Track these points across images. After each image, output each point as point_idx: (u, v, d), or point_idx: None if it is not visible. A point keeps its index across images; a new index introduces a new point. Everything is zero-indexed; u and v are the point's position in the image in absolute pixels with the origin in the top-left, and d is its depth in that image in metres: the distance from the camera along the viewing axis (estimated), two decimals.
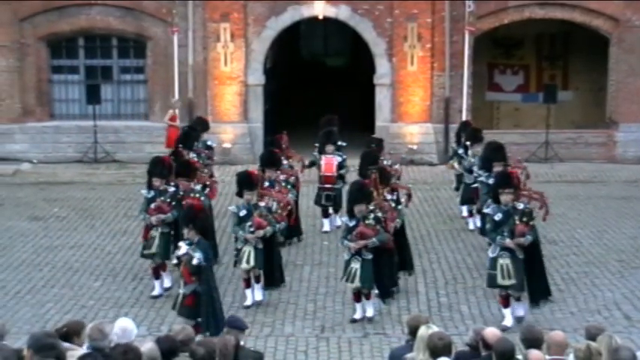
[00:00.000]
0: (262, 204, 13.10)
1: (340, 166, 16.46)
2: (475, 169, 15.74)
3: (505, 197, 12.19)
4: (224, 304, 12.26)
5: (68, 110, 23.86)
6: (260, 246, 12.96)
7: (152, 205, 13.49)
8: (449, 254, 15.42)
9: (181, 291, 11.33)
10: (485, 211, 12.92)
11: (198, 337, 8.62)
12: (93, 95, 23.15)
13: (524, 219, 12.04)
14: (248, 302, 12.98)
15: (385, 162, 15.37)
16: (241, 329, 8.62)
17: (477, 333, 7.96)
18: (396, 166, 15.78)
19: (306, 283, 14.01)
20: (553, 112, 23.69)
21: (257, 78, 23.25)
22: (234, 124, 23.10)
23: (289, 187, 14.98)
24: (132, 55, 23.79)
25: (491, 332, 7.73)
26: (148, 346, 7.25)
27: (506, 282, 12.03)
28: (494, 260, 12.13)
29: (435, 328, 7.75)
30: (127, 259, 15.23)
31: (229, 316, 9.25)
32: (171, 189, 13.61)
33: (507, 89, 25.72)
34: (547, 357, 7.30)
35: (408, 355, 7.76)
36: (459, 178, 17.26)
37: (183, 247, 11.22)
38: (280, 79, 26.36)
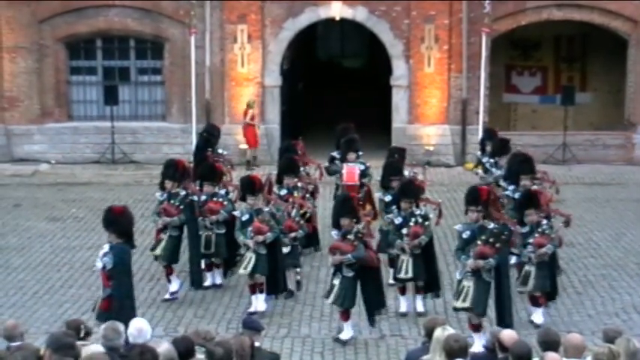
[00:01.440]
0: (266, 209, 12.88)
1: (363, 174, 15.84)
2: (501, 182, 14.99)
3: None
4: (242, 306, 12.30)
5: (86, 111, 23.98)
6: (262, 252, 12.67)
7: (159, 208, 13.58)
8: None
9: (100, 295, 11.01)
10: (455, 227, 12.27)
11: None
12: (110, 96, 23.25)
13: (490, 240, 11.18)
14: (252, 309, 12.73)
15: (407, 173, 14.74)
16: (257, 330, 8.63)
17: (494, 335, 7.94)
18: (420, 177, 14.97)
19: (322, 285, 13.99)
20: (571, 114, 23.60)
21: (274, 79, 23.29)
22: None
23: (307, 195, 14.58)
24: (149, 56, 23.88)
25: (507, 335, 7.72)
26: (164, 347, 7.27)
27: (459, 304, 11.43)
28: (459, 281, 11.61)
29: (451, 331, 7.74)
30: (143, 259, 15.26)
31: (246, 317, 9.26)
32: (182, 192, 13.58)
33: (525, 91, 25.65)
34: (564, 359, 7.28)
35: (425, 357, 7.76)
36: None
37: (103, 250, 10.91)
38: (297, 80, 26.35)
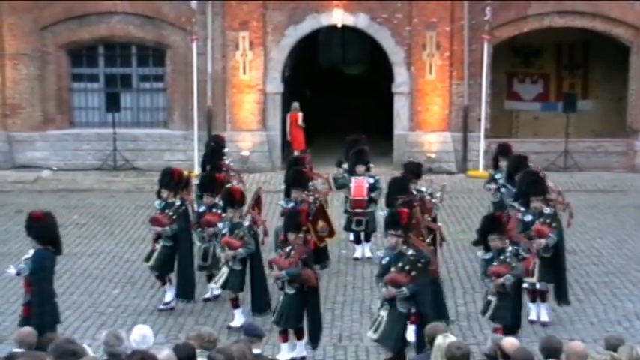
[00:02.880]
0: (246, 223, 12.48)
1: (372, 188, 15.24)
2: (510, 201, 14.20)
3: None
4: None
5: (88, 118, 24.00)
6: (237, 267, 12.24)
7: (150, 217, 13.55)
8: (467, 263, 15.34)
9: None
10: (377, 253, 11.80)
11: None
12: (112, 103, 23.28)
13: (406, 267, 10.37)
14: (232, 323, 12.43)
15: (425, 190, 13.87)
16: (259, 337, 8.62)
17: (495, 342, 7.92)
18: (437, 196, 14.01)
19: (324, 292, 13.92)
20: (573, 121, 23.59)
21: (275, 86, 23.30)
22: (253, 132, 23.15)
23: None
24: (151, 63, 23.91)
25: (509, 342, 7.69)
26: (165, 354, 7.26)
27: (370, 334, 10.73)
28: (378, 310, 10.89)
29: (452, 338, 7.73)
30: (145, 266, 15.21)
31: (247, 324, 9.24)
32: (178, 202, 13.41)
33: (526, 98, 25.64)
34: None
35: None
36: (497, 205, 15.24)
37: (26, 256, 10.77)
38: (299, 87, 26.36)
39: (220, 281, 12.51)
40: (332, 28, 24.13)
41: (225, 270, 12.39)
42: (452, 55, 22.85)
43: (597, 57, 24.87)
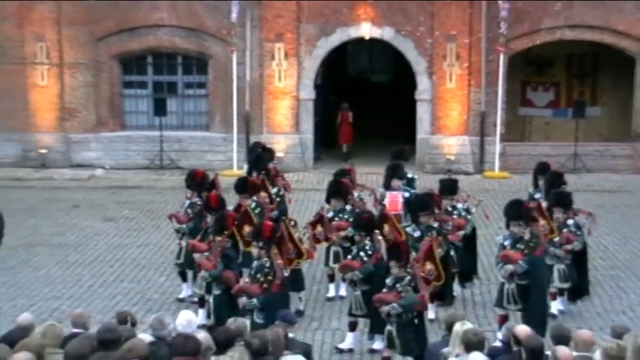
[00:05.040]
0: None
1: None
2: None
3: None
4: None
5: (137, 121, 24.15)
6: (217, 292, 11.01)
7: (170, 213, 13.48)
8: (483, 257, 15.22)
9: None
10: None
11: None
12: (160, 108, 23.39)
13: (260, 278, 10.09)
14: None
15: (460, 206, 13.02)
16: (291, 323, 8.63)
17: (509, 330, 7.89)
18: (473, 211, 12.95)
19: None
20: (582, 126, 23.40)
21: (308, 93, 23.32)
22: (287, 135, 23.17)
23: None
24: (195, 71, 24.00)
25: (522, 329, 7.66)
26: (202, 335, 7.32)
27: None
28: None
29: (469, 325, 7.70)
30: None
31: (281, 311, 9.27)
32: (199, 202, 13.15)
33: (539, 105, 25.47)
34: (574, 353, 7.21)
35: (444, 349, 7.73)
36: None
37: None
38: (329, 94, 26.36)
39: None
40: (360, 40, 24.07)
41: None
42: (470, 65, 22.74)
43: (605, 67, 24.66)
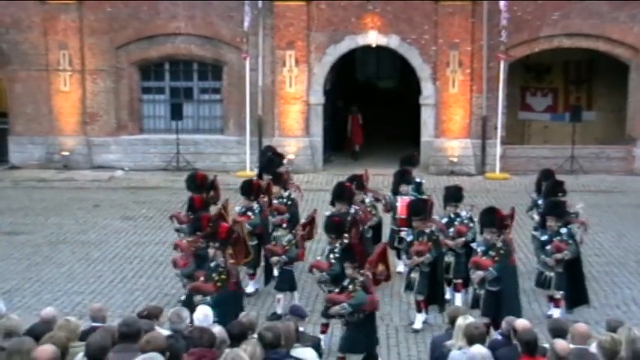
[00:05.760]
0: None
1: None
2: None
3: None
4: (266, 308, 12.27)
5: (155, 125, 24.20)
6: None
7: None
8: None
9: None
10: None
11: None
12: (176, 112, 23.43)
13: (215, 277, 10.20)
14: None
15: (464, 214, 12.75)
16: (302, 317, 8.65)
17: (509, 324, 7.89)
18: (476, 220, 12.34)
19: None
20: (578, 130, 23.33)
21: (317, 98, 23.33)
22: (297, 138, 23.19)
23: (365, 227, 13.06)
24: (210, 77, 24.04)
25: (521, 323, 7.66)
26: (216, 329, 7.35)
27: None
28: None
29: (471, 319, 7.70)
30: None
31: (292, 305, 9.24)
32: None
33: (538, 109, 25.43)
34: (571, 346, 7.21)
35: (448, 342, 7.73)
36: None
37: None
38: (338, 99, 26.38)
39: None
40: (367, 48, 24.06)
41: None
42: (472, 72, 22.71)
43: (600, 74, 24.60)
